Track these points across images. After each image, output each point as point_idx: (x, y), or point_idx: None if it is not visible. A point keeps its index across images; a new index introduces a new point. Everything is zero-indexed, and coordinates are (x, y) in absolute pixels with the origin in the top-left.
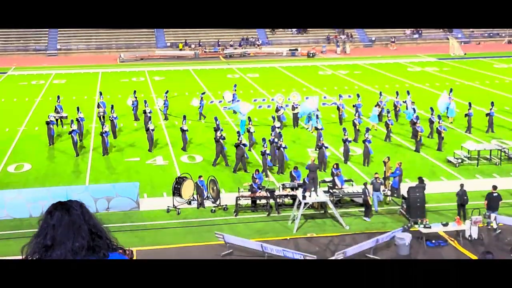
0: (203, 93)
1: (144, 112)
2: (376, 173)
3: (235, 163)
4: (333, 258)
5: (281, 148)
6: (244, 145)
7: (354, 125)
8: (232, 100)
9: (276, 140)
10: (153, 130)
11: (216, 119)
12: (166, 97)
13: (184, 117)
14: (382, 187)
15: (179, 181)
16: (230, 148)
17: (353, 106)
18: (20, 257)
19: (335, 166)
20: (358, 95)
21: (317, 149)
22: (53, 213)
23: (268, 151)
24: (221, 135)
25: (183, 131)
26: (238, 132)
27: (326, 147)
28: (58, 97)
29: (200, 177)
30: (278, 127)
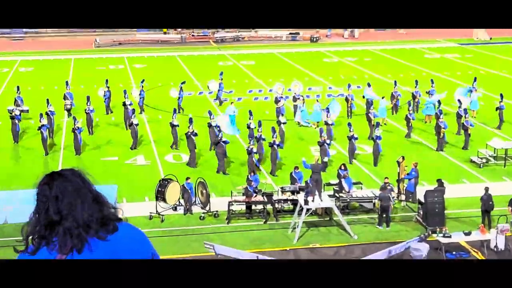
0: (183, 83)
1: (124, 104)
2: (386, 178)
3: (218, 163)
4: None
5: (274, 146)
6: (225, 142)
7: (369, 119)
8: (219, 90)
9: (263, 136)
10: (137, 125)
11: (210, 113)
12: (142, 87)
13: (175, 110)
14: (393, 193)
15: (163, 183)
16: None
17: (363, 97)
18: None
19: (342, 167)
20: (368, 85)
21: (319, 146)
22: (51, 184)
23: (255, 149)
24: (193, 131)
25: (173, 126)
26: (217, 127)
27: (329, 144)
28: (18, 87)
29: (187, 179)
30: (283, 123)
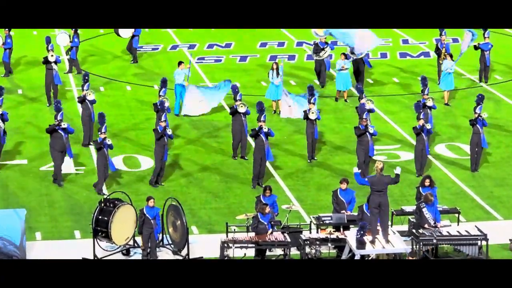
0: (76, 32)
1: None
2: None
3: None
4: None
5: (261, 135)
6: (170, 136)
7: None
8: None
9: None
10: (92, 102)
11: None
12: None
13: (86, 75)
14: None
15: (108, 207)
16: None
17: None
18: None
19: (426, 182)
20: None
21: (357, 136)
22: None
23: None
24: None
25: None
26: (160, 104)
27: (373, 135)
28: None
29: (149, 199)
30: (312, 98)
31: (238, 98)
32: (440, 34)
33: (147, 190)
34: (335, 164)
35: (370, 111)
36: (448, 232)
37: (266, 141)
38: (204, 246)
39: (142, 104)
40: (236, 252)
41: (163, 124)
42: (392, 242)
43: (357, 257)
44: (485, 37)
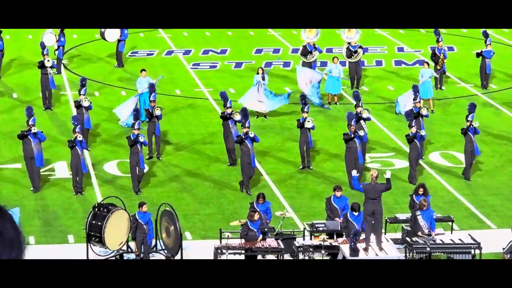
0: (62, 31)
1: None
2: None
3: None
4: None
5: (246, 141)
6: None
7: None
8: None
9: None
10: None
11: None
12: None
13: (84, 80)
14: None
15: (101, 212)
16: None
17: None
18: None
19: (420, 190)
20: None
21: (345, 142)
22: None
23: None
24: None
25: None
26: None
27: (363, 140)
28: None
29: (141, 205)
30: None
31: (228, 105)
32: (437, 41)
33: (141, 195)
34: (329, 172)
35: (367, 119)
36: (441, 240)
37: (251, 146)
38: (197, 252)
39: None
40: (229, 258)
41: (136, 132)
42: (386, 250)
43: None
44: (486, 44)
